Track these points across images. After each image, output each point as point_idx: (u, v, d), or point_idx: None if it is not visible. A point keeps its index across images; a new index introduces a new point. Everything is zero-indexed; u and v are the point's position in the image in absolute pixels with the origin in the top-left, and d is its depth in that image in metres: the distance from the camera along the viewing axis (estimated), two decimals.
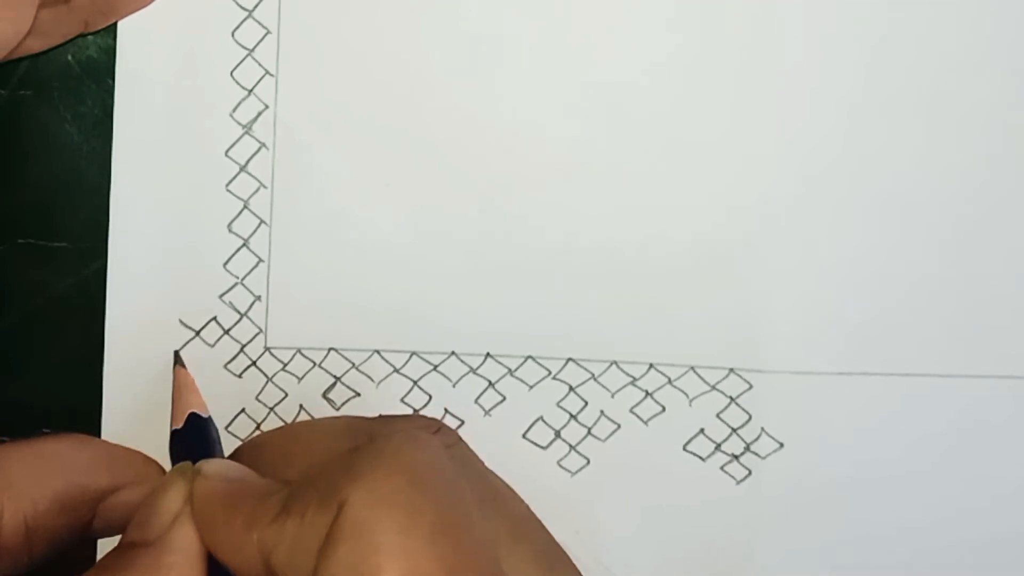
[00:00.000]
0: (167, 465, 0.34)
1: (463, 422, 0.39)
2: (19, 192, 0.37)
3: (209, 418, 0.35)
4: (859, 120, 0.39)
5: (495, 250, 0.38)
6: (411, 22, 0.38)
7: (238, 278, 0.38)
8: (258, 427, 0.38)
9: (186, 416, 0.35)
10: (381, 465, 0.27)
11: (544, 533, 0.31)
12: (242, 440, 0.38)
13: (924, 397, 0.40)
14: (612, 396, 0.39)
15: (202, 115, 0.37)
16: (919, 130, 0.39)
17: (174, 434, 0.35)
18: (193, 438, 0.34)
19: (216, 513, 0.29)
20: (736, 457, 0.39)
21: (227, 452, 0.34)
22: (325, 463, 0.29)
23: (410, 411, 0.39)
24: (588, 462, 0.39)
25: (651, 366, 0.39)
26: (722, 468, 0.39)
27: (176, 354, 0.37)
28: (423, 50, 0.38)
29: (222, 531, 0.29)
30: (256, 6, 0.37)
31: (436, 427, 0.33)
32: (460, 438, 0.32)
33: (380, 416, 0.37)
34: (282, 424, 0.38)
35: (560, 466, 0.39)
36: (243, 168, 0.38)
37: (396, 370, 0.38)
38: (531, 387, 0.39)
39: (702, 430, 0.39)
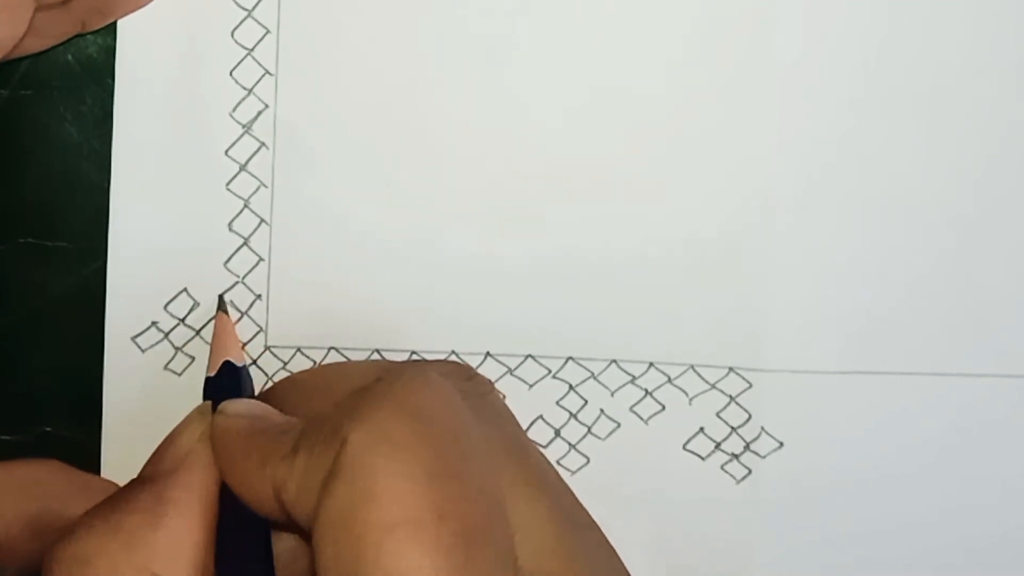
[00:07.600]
0: None
1: None
2: (19, 192, 0.37)
3: (244, 367, 0.35)
4: (859, 119, 0.39)
5: (494, 249, 0.38)
6: (411, 21, 0.38)
7: (239, 277, 0.38)
8: None
9: (220, 364, 0.34)
10: (385, 404, 0.27)
11: (568, 492, 0.31)
12: None
13: (924, 396, 0.39)
14: (612, 395, 0.39)
15: (202, 114, 0.37)
16: (920, 129, 0.39)
17: (208, 381, 0.35)
18: (225, 386, 0.34)
19: (235, 448, 0.29)
20: (736, 456, 0.39)
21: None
22: (339, 401, 0.28)
23: None
24: (588, 461, 0.39)
25: (651, 365, 0.39)
26: (722, 467, 0.39)
27: (220, 298, 0.37)
28: (423, 49, 0.38)
29: (240, 466, 0.29)
30: (256, 5, 0.37)
31: (468, 374, 0.32)
32: (493, 388, 0.31)
33: (411, 361, 0.36)
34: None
35: (560, 465, 0.39)
36: (243, 167, 0.38)
37: None
38: (531, 386, 0.39)
39: (702, 429, 0.39)
